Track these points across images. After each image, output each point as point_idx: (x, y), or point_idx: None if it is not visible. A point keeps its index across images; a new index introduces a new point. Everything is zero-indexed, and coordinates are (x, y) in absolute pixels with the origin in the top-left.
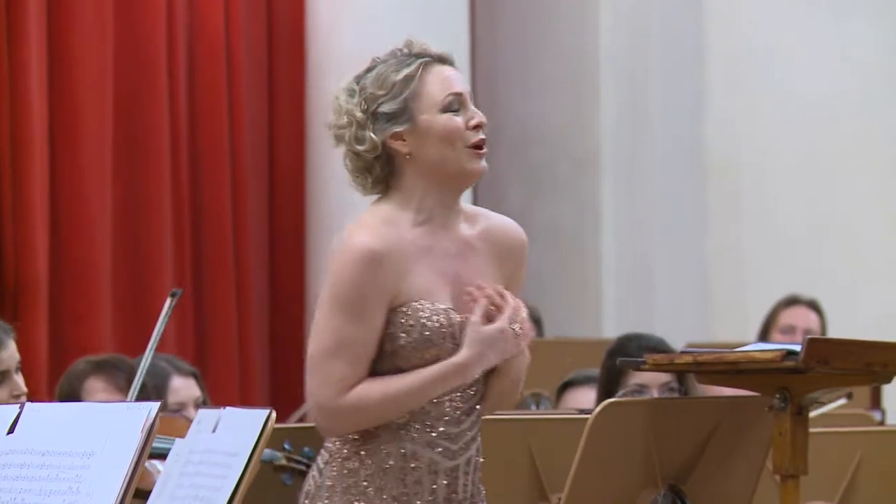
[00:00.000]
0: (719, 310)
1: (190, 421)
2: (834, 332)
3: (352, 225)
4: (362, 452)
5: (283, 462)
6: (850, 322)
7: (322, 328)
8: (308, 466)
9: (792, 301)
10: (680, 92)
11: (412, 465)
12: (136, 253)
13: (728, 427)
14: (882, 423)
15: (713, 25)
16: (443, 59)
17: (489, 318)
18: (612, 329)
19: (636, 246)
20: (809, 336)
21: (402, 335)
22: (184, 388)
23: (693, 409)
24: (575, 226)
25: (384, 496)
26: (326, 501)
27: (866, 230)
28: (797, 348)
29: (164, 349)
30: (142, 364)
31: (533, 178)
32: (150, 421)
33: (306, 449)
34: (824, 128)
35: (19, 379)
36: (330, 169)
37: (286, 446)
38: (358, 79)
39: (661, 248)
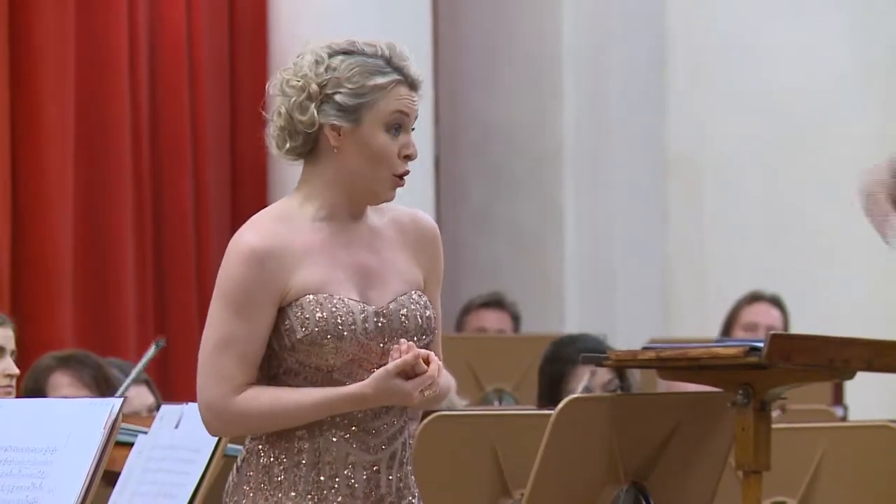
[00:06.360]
0: (680, 307)
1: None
2: (796, 329)
3: (249, 221)
4: (276, 447)
5: None
6: (812, 318)
7: (210, 323)
8: None
9: (755, 298)
10: (641, 90)
11: (327, 460)
12: (98, 249)
13: (691, 423)
14: (844, 419)
15: (675, 23)
16: (413, 84)
17: (406, 374)
18: (574, 326)
19: (597, 243)
20: (772, 332)
21: (300, 329)
22: (136, 396)
23: (656, 405)
24: (536, 224)
25: (300, 490)
26: (242, 498)
27: (828, 227)
28: (760, 344)
29: (124, 335)
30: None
31: (495, 176)
32: (113, 417)
33: None
34: (786, 125)
35: (12, 361)
36: (292, 165)
37: None
38: (331, 53)
39: (623, 245)
